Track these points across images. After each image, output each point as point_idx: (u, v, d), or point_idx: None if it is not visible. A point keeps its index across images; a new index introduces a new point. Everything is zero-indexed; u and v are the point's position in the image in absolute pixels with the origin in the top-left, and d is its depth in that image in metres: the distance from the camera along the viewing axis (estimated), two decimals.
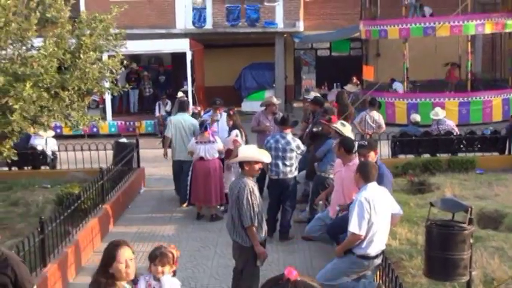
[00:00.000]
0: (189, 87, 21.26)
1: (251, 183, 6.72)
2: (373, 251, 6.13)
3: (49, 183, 12.44)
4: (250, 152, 6.78)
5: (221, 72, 25.37)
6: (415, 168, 12.65)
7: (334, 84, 24.74)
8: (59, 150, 13.91)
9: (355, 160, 7.59)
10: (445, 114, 14.42)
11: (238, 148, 7.00)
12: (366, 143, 7.52)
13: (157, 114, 21.28)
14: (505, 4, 22.29)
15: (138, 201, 12.21)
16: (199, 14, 24.04)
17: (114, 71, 8.98)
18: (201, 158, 10.83)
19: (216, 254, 9.14)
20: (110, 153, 13.20)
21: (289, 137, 9.65)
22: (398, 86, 22.09)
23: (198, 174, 10.90)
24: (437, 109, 14.55)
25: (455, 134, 13.62)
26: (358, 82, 23.26)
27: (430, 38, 21.26)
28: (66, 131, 16.93)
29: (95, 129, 19.82)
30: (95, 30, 8.72)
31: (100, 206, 9.98)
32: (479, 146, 13.63)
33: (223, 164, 11.19)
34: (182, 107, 12.56)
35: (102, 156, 13.22)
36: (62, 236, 8.17)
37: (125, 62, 9.26)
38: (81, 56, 8.01)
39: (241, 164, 6.77)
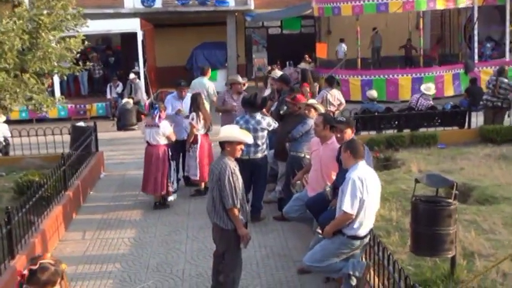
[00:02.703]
0: (141, 68, 20.79)
1: (232, 164, 6.48)
2: (363, 231, 6.00)
3: (3, 171, 11.89)
4: (232, 132, 6.53)
5: (172, 52, 24.91)
6: (379, 145, 12.64)
7: (287, 63, 24.55)
8: (11, 136, 13.32)
9: (333, 138, 7.43)
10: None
11: (220, 129, 6.72)
12: (344, 119, 7.36)
13: (108, 96, 20.77)
14: None
15: (99, 187, 11.79)
16: None
17: (74, 50, 8.53)
18: (147, 143, 10.30)
19: (188, 238, 8.88)
20: (64, 137, 12.68)
21: (259, 116, 9.42)
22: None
23: (145, 160, 10.38)
24: (431, 84, 14.66)
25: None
26: (311, 60, 23.21)
27: (381, 15, 21.37)
28: (12, 116, 16.25)
29: (44, 113, 19.12)
30: (54, 9, 8.25)
31: (63, 193, 9.56)
32: (439, 121, 13.71)
33: (181, 150, 10.86)
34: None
35: (56, 141, 12.69)
36: (28, 225, 7.77)
37: (86, 42, 8.82)
38: (43, 35, 7.55)
39: (223, 144, 6.53)
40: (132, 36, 20.62)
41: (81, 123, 13.07)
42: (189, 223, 9.51)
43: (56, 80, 19.29)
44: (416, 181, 6.41)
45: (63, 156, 9.78)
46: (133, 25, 20.50)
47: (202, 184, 10.81)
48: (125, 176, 12.58)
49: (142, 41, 20.80)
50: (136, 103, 19.31)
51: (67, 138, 12.53)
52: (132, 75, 20.06)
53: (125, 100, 18.94)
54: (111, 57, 23.49)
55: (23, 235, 7.56)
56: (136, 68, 20.96)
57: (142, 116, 19.32)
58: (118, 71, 22.28)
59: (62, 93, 20.37)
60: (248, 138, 6.61)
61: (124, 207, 10.48)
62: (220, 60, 24.56)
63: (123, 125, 18.38)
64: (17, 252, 7.21)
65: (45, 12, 8.25)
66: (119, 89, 20.68)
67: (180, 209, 10.26)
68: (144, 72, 20.90)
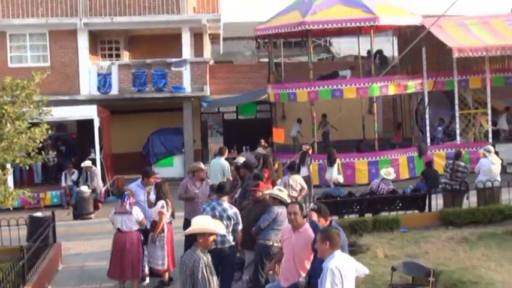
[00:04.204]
0: (97, 155, 20.52)
1: (205, 257, 6.32)
2: None
3: None
4: (205, 223, 6.40)
5: (128, 138, 24.77)
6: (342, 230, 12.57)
7: (243, 148, 24.68)
8: None
9: (306, 226, 7.38)
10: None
11: (192, 219, 6.58)
12: (317, 207, 7.35)
13: (63, 184, 20.31)
14: (404, 67, 23.40)
15: (58, 281, 11.31)
16: (104, 80, 23.55)
17: (37, 140, 8.35)
18: (119, 230, 10.33)
19: None
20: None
21: (226, 204, 9.31)
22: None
23: (114, 248, 10.37)
24: (390, 169, 14.80)
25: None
26: (267, 145, 23.36)
27: (335, 100, 21.86)
28: None
29: None
30: (18, 97, 8.13)
31: None
32: (400, 204, 13.82)
33: (146, 237, 10.65)
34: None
35: (7, 234, 12.18)
36: None
37: (50, 131, 8.67)
38: (7, 125, 7.38)
39: (195, 235, 6.38)
40: (88, 122, 20.47)
41: (38, 214, 12.67)
42: None
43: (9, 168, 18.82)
44: (393, 269, 6.37)
45: (22, 249, 9.39)
46: (90, 112, 20.38)
47: (166, 275, 10.52)
48: (83, 267, 12.14)
49: (99, 128, 20.65)
50: (93, 191, 18.95)
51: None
52: (86, 163, 19.77)
53: (81, 188, 18.55)
54: (62, 146, 23.16)
55: None
56: (92, 154, 20.68)
57: (99, 204, 18.96)
58: (73, 158, 21.93)
59: (14, 182, 20.02)
60: (220, 228, 6.51)
61: None
62: (176, 146, 24.51)
63: (79, 213, 17.94)
64: None
65: (8, 101, 8.10)
66: (74, 176, 20.29)
67: None
68: (100, 159, 20.64)
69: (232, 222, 9.20)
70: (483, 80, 21.91)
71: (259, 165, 16.24)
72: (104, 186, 20.55)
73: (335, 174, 17.52)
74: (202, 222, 6.41)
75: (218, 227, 6.43)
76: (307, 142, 19.54)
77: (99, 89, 23.57)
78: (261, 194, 9.74)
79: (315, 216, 7.54)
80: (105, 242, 13.05)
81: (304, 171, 17.91)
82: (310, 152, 18.32)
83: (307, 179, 18.13)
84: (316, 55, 34.54)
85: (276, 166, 16.32)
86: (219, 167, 14.23)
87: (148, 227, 10.57)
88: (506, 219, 13.28)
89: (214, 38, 30.27)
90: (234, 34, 35.77)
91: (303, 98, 21.42)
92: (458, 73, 21.81)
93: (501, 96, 23.83)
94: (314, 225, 7.37)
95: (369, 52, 23.54)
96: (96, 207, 18.57)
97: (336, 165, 18.20)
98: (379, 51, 23.61)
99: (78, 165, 20.34)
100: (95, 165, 20.15)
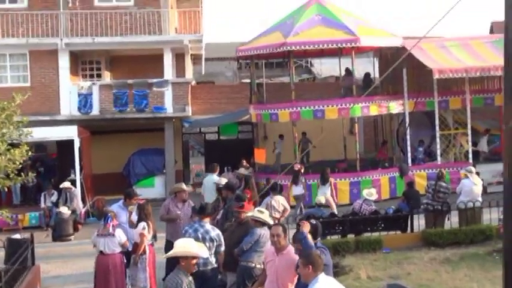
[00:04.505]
0: (77, 176, 20.34)
1: (187, 280, 6.23)
2: None
3: None
4: (188, 246, 6.32)
5: (109, 158, 24.58)
6: None
7: (225, 168, 24.57)
8: None
9: (289, 248, 7.32)
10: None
11: (176, 242, 6.49)
12: (315, 222, 7.38)
13: (42, 205, 20.07)
14: (385, 88, 23.55)
15: None
16: (85, 100, 23.41)
17: (17, 162, 8.23)
18: (101, 252, 10.21)
19: None
20: None
21: (208, 226, 9.22)
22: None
23: (98, 270, 10.26)
24: (373, 190, 14.87)
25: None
26: (248, 165, 23.29)
27: (317, 121, 21.92)
28: None
29: None
30: None
31: None
32: (382, 225, 13.82)
33: (128, 259, 10.52)
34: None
35: None
36: None
37: (30, 152, 8.55)
38: None
39: (177, 258, 6.29)
40: (69, 143, 20.30)
41: (17, 235, 12.45)
42: None
43: None
44: None
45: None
46: (70, 132, 20.25)
47: None
48: None
49: (79, 148, 20.48)
50: (72, 212, 18.73)
51: None
52: (66, 184, 19.57)
53: (60, 209, 18.32)
54: (41, 167, 22.90)
55: None
56: (72, 175, 20.50)
57: (79, 226, 18.74)
58: (53, 179, 21.70)
59: None
60: (203, 252, 6.43)
61: None
62: (157, 167, 24.36)
63: (59, 235, 17.70)
64: None
65: None
66: (54, 197, 20.06)
67: None
68: (81, 179, 20.45)
69: (215, 244, 9.10)
70: (463, 101, 22.13)
71: (241, 186, 16.22)
72: (84, 207, 20.34)
73: (328, 193, 17.58)
74: (185, 245, 6.33)
75: (201, 250, 6.35)
76: (296, 161, 19.60)
77: (79, 109, 23.42)
78: (245, 215, 9.68)
79: (306, 228, 7.46)
80: (85, 264, 12.91)
81: (298, 189, 18.19)
82: (302, 170, 18.53)
83: (301, 197, 18.34)
84: (297, 76, 34.73)
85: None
86: (212, 184, 14.51)
87: (130, 249, 10.44)
88: (488, 239, 13.33)
89: (196, 59, 30.32)
90: (215, 55, 35.84)
91: (284, 118, 21.45)
92: (438, 94, 22.00)
93: (481, 117, 24.06)
94: (302, 237, 7.26)
95: (347, 70, 23.77)
96: (76, 229, 18.35)
97: (328, 185, 18.29)
98: (367, 74, 23.85)
99: (58, 186, 20.14)
100: (75, 186, 19.97)
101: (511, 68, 5.46)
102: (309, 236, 7.58)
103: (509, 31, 5.58)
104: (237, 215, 9.86)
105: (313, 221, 8.03)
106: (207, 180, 15.32)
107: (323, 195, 15.82)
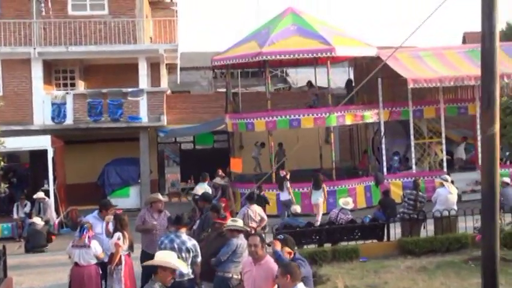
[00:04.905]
0: (51, 186, 20.07)
1: None
2: None
3: None
4: (169, 257, 6.24)
5: (83, 168, 24.34)
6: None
7: (201, 178, 24.43)
8: None
9: (267, 258, 7.28)
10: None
11: (157, 253, 6.41)
12: (282, 237, 7.33)
13: (15, 216, 19.80)
14: (360, 97, 23.67)
15: None
16: (59, 110, 23.16)
17: None
18: (76, 264, 10.08)
19: None
20: None
21: (185, 236, 9.13)
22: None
23: (73, 282, 10.14)
24: (349, 199, 14.94)
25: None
26: (224, 175, 23.22)
27: (293, 130, 21.96)
28: None
29: None
30: None
31: None
32: (359, 234, 13.83)
33: (104, 270, 10.38)
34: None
35: None
36: None
37: (3, 162, 8.38)
38: None
39: (155, 268, 6.20)
40: (42, 153, 20.03)
41: None
42: None
43: None
44: None
45: None
46: (43, 142, 19.98)
47: None
48: None
49: (53, 158, 20.22)
50: (46, 223, 18.46)
51: None
52: (39, 194, 19.31)
53: (34, 220, 18.04)
54: (13, 178, 22.59)
55: None
56: (46, 185, 20.23)
57: (53, 237, 18.47)
58: (25, 189, 21.39)
59: None
60: (183, 267, 6.37)
61: None
62: (132, 176, 24.14)
63: (32, 246, 17.41)
64: None
65: None
66: (27, 208, 19.79)
67: None
68: (54, 190, 20.18)
69: (191, 254, 9.02)
70: (437, 110, 22.33)
71: (217, 195, 16.17)
72: (57, 217, 20.07)
73: (321, 198, 17.66)
74: (166, 257, 6.27)
75: (181, 265, 6.29)
76: (285, 169, 19.82)
77: (53, 118, 23.15)
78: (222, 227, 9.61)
79: (278, 246, 7.45)
80: (59, 275, 12.71)
81: (284, 195, 18.45)
82: (287, 176, 18.77)
83: (288, 202, 18.40)
84: (273, 85, 34.78)
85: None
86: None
87: (106, 261, 10.30)
88: (463, 247, 13.39)
89: (171, 68, 30.21)
90: (190, 64, 35.80)
91: (261, 127, 21.45)
92: (413, 103, 22.18)
93: (455, 126, 24.31)
94: (277, 256, 7.26)
95: (309, 82, 23.95)
96: (49, 240, 18.07)
97: (321, 190, 18.38)
98: (349, 81, 24.01)
99: (31, 197, 19.87)
100: (48, 196, 19.71)
101: (487, 77, 5.48)
102: (287, 249, 7.55)
103: (485, 41, 5.59)
104: (218, 226, 9.78)
105: (281, 236, 7.97)
106: (201, 189, 16.11)
107: (316, 201, 15.90)
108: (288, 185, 18.74)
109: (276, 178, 19.12)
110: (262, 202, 14.73)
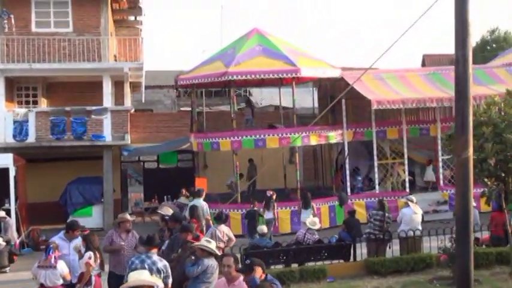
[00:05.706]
0: (12, 206, 19.69)
1: None
2: None
3: None
4: (143, 275, 6.20)
5: (45, 187, 23.94)
6: None
7: (165, 197, 24.32)
8: None
9: (240, 279, 7.28)
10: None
11: (129, 274, 6.35)
12: (249, 261, 7.32)
13: None
14: (325, 118, 23.88)
15: None
16: (20, 127, 22.77)
17: None
18: (42, 285, 9.93)
19: None
20: None
21: (156, 257, 9.06)
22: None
23: None
24: (316, 219, 15.08)
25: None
26: (188, 194, 23.12)
27: (257, 149, 22.05)
28: None
29: None
30: None
31: None
32: (326, 254, 13.91)
33: None
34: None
35: None
36: None
37: None
38: None
39: None
40: (4, 171, 19.66)
41: None
42: None
43: None
44: None
45: None
46: (5, 161, 19.62)
47: None
48: None
49: (15, 177, 19.86)
50: (7, 243, 18.06)
51: None
52: (0, 213, 18.90)
53: None
54: None
55: None
56: (7, 204, 19.83)
57: (15, 257, 18.08)
58: None
59: None
60: (159, 282, 6.33)
61: None
62: (95, 195, 23.81)
63: None
64: None
65: None
66: None
67: None
68: (15, 209, 19.80)
69: (162, 275, 8.93)
70: (400, 131, 22.71)
71: (183, 215, 16.08)
72: (18, 237, 19.65)
73: (311, 217, 17.68)
74: (139, 275, 6.22)
75: (155, 281, 6.25)
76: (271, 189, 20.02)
77: (14, 136, 22.74)
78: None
79: (259, 273, 7.39)
80: None
81: (269, 214, 18.76)
82: (274, 197, 19.04)
83: (272, 221, 18.47)
84: (237, 105, 34.84)
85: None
86: (206, 208, 16.37)
87: (73, 282, 10.15)
88: (428, 267, 13.61)
89: (134, 86, 30.05)
90: (153, 82, 35.65)
91: (226, 147, 21.48)
92: (376, 124, 22.49)
93: (417, 147, 24.70)
94: (253, 284, 7.23)
95: (248, 101, 24.20)
96: (11, 260, 17.68)
97: (310, 209, 18.51)
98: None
99: None
100: (10, 215, 19.30)
101: (461, 101, 5.64)
102: (259, 270, 7.53)
103: (459, 65, 5.75)
104: (190, 245, 9.73)
105: (248, 261, 8.01)
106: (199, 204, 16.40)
107: (305, 220, 15.95)
108: (275, 204, 19.13)
109: (264, 198, 19.28)
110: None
